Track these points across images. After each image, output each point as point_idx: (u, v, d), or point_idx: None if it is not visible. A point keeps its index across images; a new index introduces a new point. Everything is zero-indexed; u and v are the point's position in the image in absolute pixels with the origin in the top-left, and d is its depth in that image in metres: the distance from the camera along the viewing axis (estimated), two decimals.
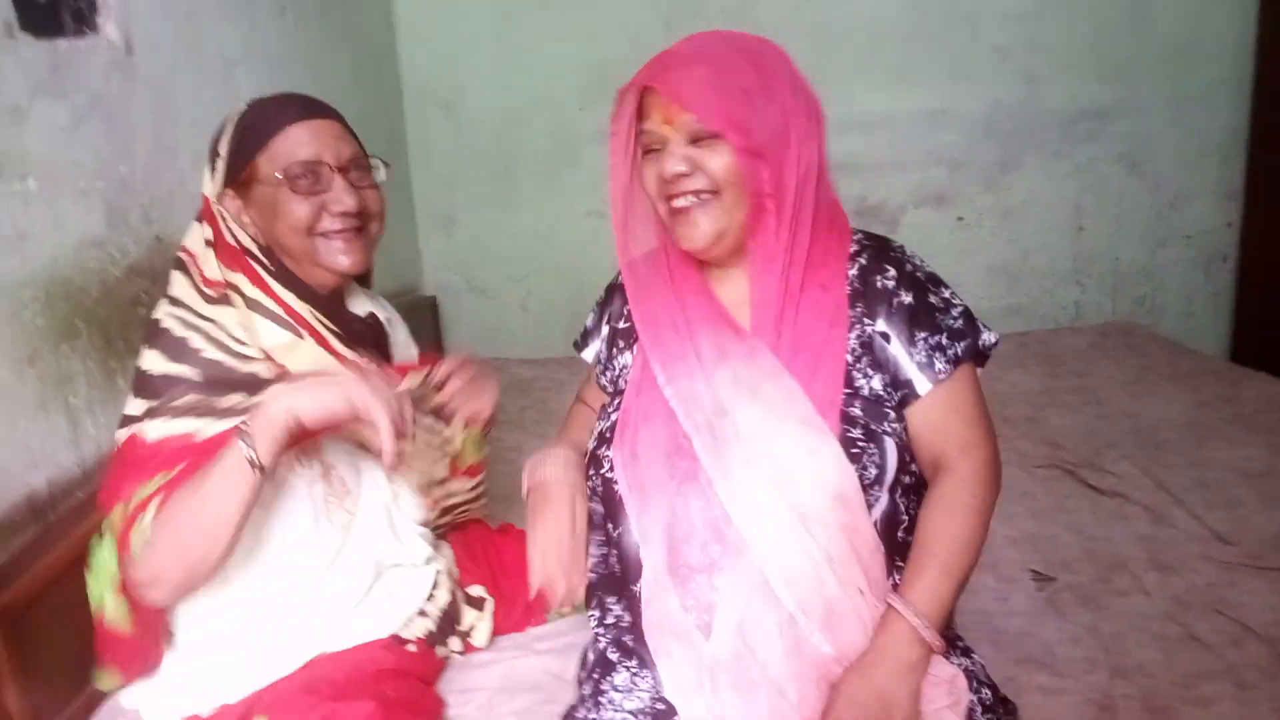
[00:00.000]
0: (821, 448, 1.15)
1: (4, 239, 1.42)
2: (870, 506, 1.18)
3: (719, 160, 1.19)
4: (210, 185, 1.36)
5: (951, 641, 1.23)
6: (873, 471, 1.18)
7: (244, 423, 1.15)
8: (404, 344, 1.61)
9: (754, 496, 1.15)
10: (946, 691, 1.14)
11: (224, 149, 1.34)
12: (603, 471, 1.29)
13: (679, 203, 1.22)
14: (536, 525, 1.35)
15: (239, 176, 1.33)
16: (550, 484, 1.37)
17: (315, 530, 1.33)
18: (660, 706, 1.18)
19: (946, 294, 1.26)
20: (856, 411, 1.19)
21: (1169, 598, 1.63)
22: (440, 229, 3.42)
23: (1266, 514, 1.88)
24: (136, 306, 1.69)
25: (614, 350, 1.40)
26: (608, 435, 1.30)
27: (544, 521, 1.34)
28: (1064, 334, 3.00)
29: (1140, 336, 2.92)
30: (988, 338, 1.25)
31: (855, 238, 1.30)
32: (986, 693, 1.19)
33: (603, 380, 1.42)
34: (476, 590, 1.55)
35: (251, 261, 1.34)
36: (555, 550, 1.33)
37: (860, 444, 1.18)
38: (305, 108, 1.35)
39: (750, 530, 1.15)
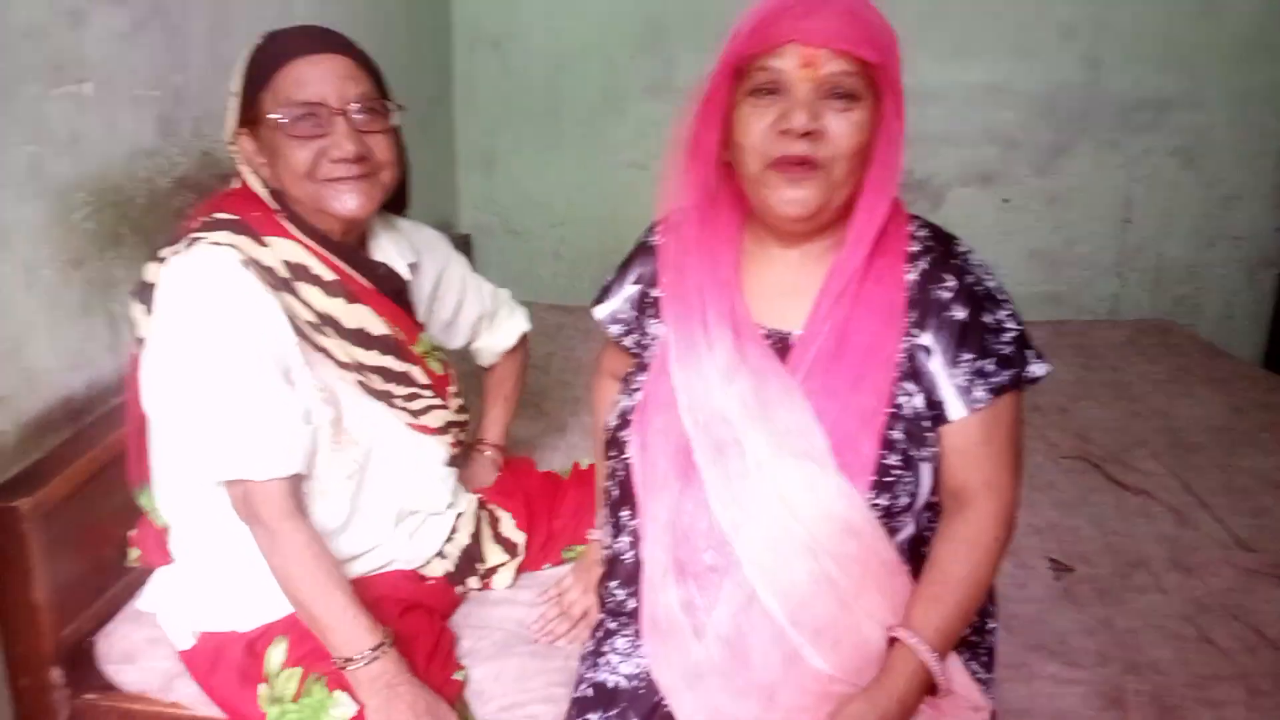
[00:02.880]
0: (822, 482, 1.09)
1: (58, 141, 1.42)
2: (896, 531, 1.13)
3: (846, 125, 1.07)
4: (229, 125, 1.31)
5: (975, 650, 1.22)
6: (904, 500, 1.12)
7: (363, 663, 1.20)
8: (452, 281, 1.60)
9: (752, 516, 1.10)
10: (965, 715, 1.13)
11: (236, 85, 1.29)
12: (624, 457, 1.23)
13: (784, 164, 1.09)
14: None
15: (248, 115, 1.28)
16: None
17: (324, 475, 1.32)
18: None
19: (1003, 315, 1.16)
20: (897, 435, 1.11)
21: (1187, 599, 1.63)
22: (480, 168, 3.40)
23: None
24: (181, 219, 1.69)
25: (643, 314, 1.31)
26: (629, 416, 1.23)
27: None
28: (1101, 327, 2.97)
29: (1177, 336, 2.89)
30: (1035, 370, 1.15)
31: (918, 233, 1.19)
32: None
33: (627, 342, 1.34)
34: (518, 537, 1.56)
35: (271, 206, 1.30)
36: None
37: (896, 471, 1.11)
38: (311, 41, 1.27)
39: (743, 546, 1.09)
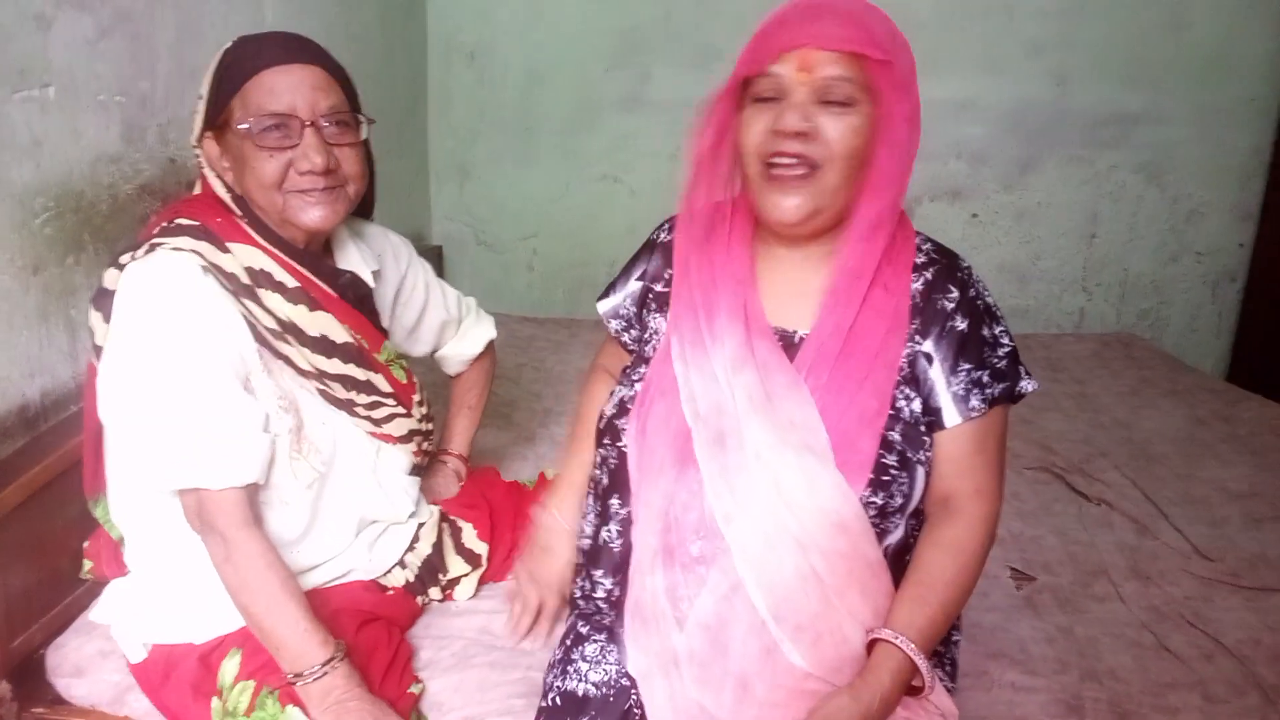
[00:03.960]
0: (820, 475, 1.10)
1: (20, 146, 1.41)
2: (886, 533, 1.15)
3: (841, 127, 1.10)
4: (195, 128, 1.31)
5: (943, 663, 1.23)
6: (898, 500, 1.14)
7: (313, 680, 1.18)
8: (415, 286, 1.59)
9: (745, 508, 1.11)
10: (936, 717, 1.14)
11: (205, 89, 1.28)
12: (619, 444, 1.23)
13: (779, 166, 1.12)
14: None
15: (216, 120, 1.27)
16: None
17: (283, 484, 1.31)
18: (624, 681, 1.18)
19: (998, 330, 1.21)
20: (895, 436, 1.14)
21: (1146, 607, 1.64)
22: (453, 180, 3.40)
23: (1249, 534, 1.89)
24: (144, 226, 1.68)
25: (645, 310, 1.34)
26: (628, 405, 1.24)
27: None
28: (1067, 340, 3.00)
29: (1141, 349, 2.92)
30: (1026, 385, 1.20)
31: (924, 246, 1.23)
32: None
33: (626, 338, 1.37)
34: (480, 548, 1.55)
35: (234, 212, 1.30)
36: None
37: (893, 471, 1.13)
38: (284, 50, 1.26)
39: (735, 536, 1.11)
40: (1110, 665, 1.49)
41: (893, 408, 1.15)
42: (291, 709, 1.19)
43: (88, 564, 1.43)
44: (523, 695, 1.32)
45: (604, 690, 1.19)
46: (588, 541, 1.30)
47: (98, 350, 1.27)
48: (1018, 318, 3.29)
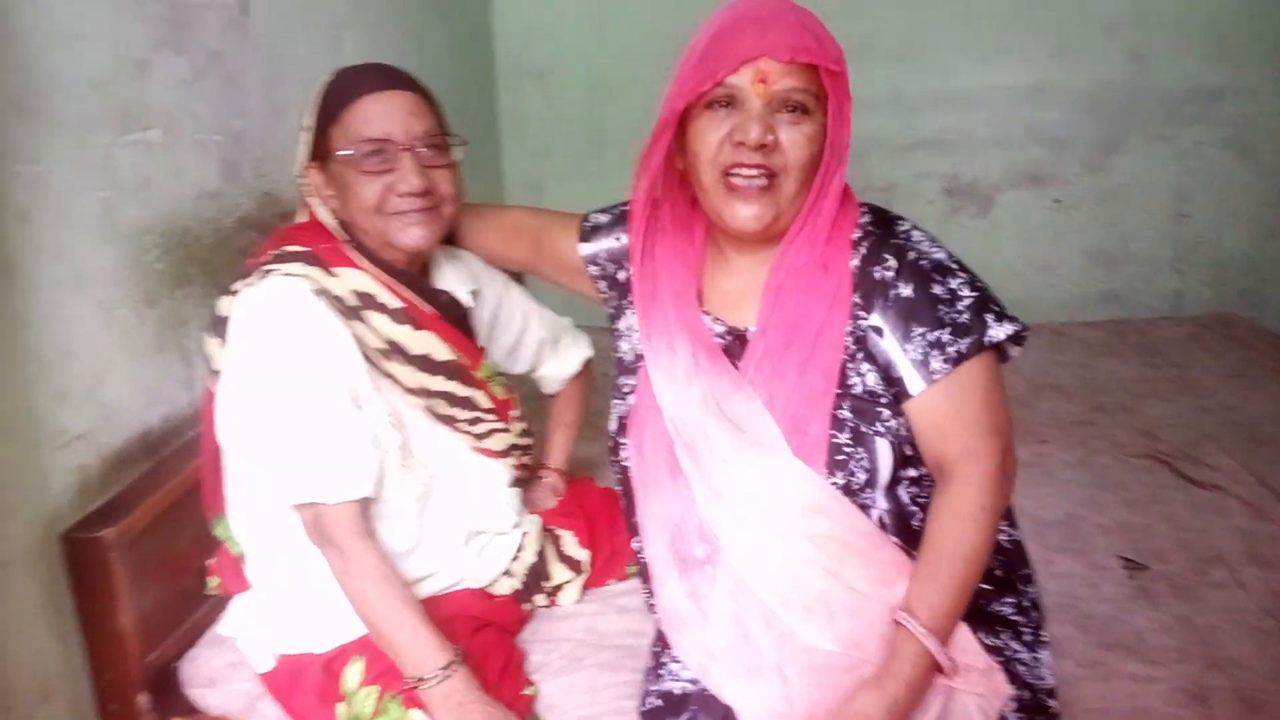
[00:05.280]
0: (781, 468, 1.12)
1: (128, 187, 1.48)
2: (867, 508, 1.14)
3: (798, 137, 1.12)
4: (300, 159, 1.36)
5: (1016, 627, 1.21)
6: (862, 476, 1.14)
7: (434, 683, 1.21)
8: (514, 308, 1.63)
9: (728, 506, 1.13)
10: (976, 681, 1.12)
11: (308, 120, 1.34)
12: (620, 460, 1.29)
13: (740, 177, 1.14)
14: None
15: (319, 149, 1.33)
16: None
17: (392, 498, 1.34)
18: None
19: (954, 283, 1.16)
20: (845, 414, 1.14)
21: (1267, 593, 1.59)
22: (529, 197, 3.45)
23: None
24: (245, 257, 1.75)
25: (625, 301, 1.37)
26: (626, 421, 1.28)
27: None
28: (1163, 324, 2.92)
29: (1243, 329, 2.82)
30: (996, 332, 1.14)
31: (862, 220, 1.22)
32: (1027, 694, 1.16)
33: (601, 285, 1.42)
34: (581, 554, 1.57)
35: (339, 237, 1.35)
36: None
37: (847, 450, 1.13)
38: (379, 79, 1.32)
39: (726, 537, 1.13)
40: (1233, 654, 1.45)
41: (842, 385, 1.15)
42: (415, 712, 1.22)
43: (213, 580, 1.49)
44: (632, 696, 1.33)
45: (701, 686, 1.20)
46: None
47: (214, 375, 1.33)
48: (1109, 303, 3.21)
